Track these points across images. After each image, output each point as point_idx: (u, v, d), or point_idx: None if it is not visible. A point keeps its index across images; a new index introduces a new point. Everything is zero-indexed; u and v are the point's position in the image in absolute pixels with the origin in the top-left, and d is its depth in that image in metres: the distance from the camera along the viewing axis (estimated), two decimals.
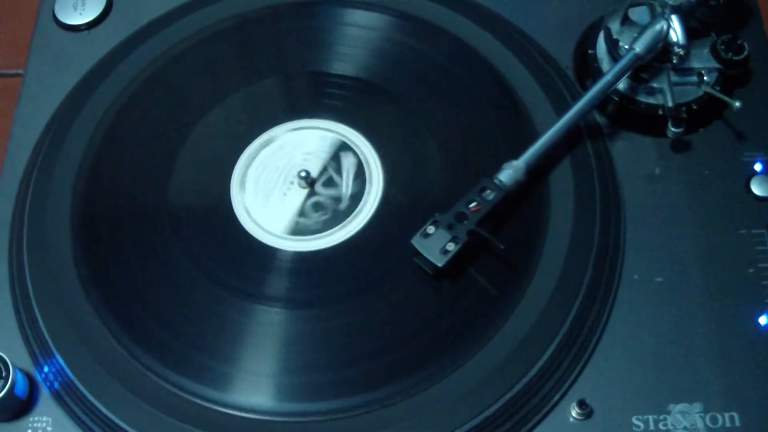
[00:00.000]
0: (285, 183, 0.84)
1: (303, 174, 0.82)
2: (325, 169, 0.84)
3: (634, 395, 0.72)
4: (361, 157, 0.84)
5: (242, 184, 0.83)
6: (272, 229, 0.81)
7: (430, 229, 0.75)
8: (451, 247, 0.74)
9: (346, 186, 0.82)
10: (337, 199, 0.82)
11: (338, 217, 0.81)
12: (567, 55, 0.90)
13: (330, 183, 0.83)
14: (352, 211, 0.81)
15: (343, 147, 0.84)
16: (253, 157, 0.85)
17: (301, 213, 0.82)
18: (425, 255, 0.74)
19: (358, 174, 0.83)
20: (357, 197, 0.82)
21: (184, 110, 0.88)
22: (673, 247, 0.79)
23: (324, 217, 0.81)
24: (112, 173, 0.85)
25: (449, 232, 0.74)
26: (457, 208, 0.76)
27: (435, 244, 0.74)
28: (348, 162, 0.83)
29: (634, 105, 0.84)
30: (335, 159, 0.84)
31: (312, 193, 0.83)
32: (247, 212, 0.82)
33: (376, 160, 0.84)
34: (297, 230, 0.81)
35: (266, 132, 0.86)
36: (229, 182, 0.83)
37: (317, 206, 0.82)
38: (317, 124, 0.86)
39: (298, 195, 0.83)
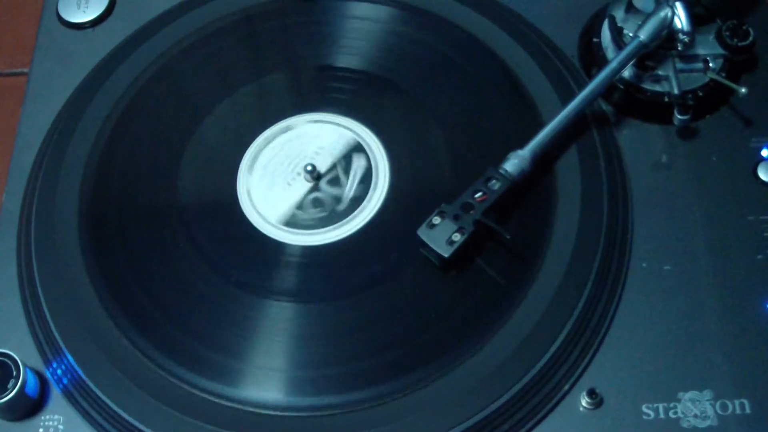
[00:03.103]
0: (292, 173, 0.84)
1: (309, 168, 0.82)
2: (333, 167, 0.84)
3: (644, 383, 0.72)
4: (367, 149, 0.84)
5: (251, 167, 0.84)
6: (268, 216, 0.81)
7: (436, 220, 0.75)
8: (457, 237, 0.74)
9: (350, 188, 0.82)
10: (338, 199, 0.82)
11: (334, 217, 0.81)
12: (572, 44, 0.90)
13: (335, 182, 0.83)
14: (350, 214, 0.81)
15: (357, 148, 0.84)
16: (269, 141, 0.85)
17: (300, 206, 0.82)
18: (431, 246, 0.74)
19: (364, 178, 0.83)
20: (358, 201, 0.82)
21: (191, 106, 0.88)
22: (681, 234, 0.79)
23: (320, 215, 0.81)
24: (119, 170, 0.85)
25: (455, 222, 0.74)
26: (463, 199, 0.76)
27: (441, 235, 0.74)
28: (358, 164, 0.83)
29: (640, 93, 0.83)
30: (346, 158, 0.84)
31: (315, 188, 0.83)
32: (249, 195, 0.82)
33: (382, 152, 0.83)
34: (291, 222, 0.81)
35: (286, 119, 0.86)
36: (236, 178, 0.84)
37: (316, 202, 0.82)
38: (323, 118, 0.86)
39: (301, 187, 0.83)
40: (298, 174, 0.83)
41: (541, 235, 0.77)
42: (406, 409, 0.71)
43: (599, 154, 0.81)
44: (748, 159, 0.82)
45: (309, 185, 0.83)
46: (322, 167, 0.83)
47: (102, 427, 0.73)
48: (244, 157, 0.85)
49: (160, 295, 0.78)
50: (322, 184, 0.83)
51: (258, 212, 0.81)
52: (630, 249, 0.78)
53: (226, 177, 0.84)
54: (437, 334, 0.74)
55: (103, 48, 0.93)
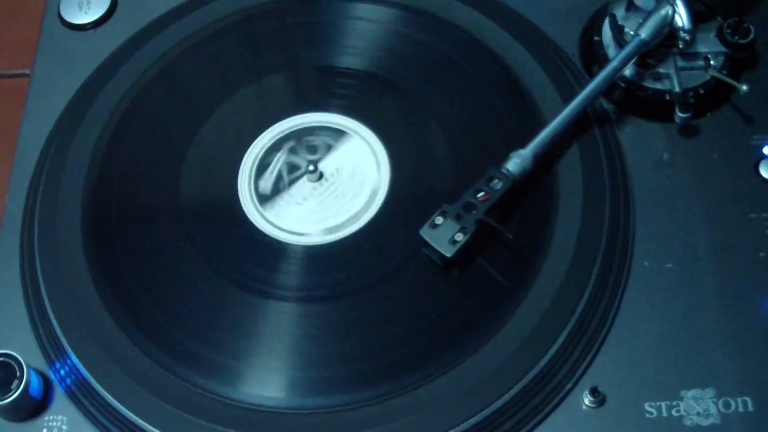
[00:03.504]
0: (295, 174, 0.84)
1: (312, 168, 0.82)
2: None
3: (647, 382, 0.72)
4: (346, 130, 0.84)
5: (253, 168, 0.85)
6: (270, 217, 0.81)
7: (439, 220, 0.75)
8: (459, 237, 0.74)
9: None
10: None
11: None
12: (573, 43, 0.90)
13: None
14: (351, 215, 0.81)
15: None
16: (273, 142, 0.86)
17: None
18: (434, 246, 0.74)
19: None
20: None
21: (192, 107, 0.88)
22: (683, 232, 0.79)
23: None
24: (121, 171, 0.85)
25: (457, 222, 0.74)
26: (465, 198, 0.76)
27: (443, 235, 0.74)
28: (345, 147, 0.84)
29: (641, 91, 0.83)
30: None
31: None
32: (250, 196, 0.83)
33: (383, 152, 0.84)
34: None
35: (288, 119, 0.87)
36: (237, 178, 0.84)
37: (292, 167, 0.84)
38: (324, 118, 0.86)
39: (303, 188, 0.83)
40: (302, 175, 0.84)
41: (543, 234, 0.77)
42: (408, 408, 0.71)
43: (601, 152, 0.81)
44: (749, 156, 0.82)
45: (311, 185, 0.83)
46: (326, 170, 0.84)
47: (105, 427, 0.73)
48: (245, 158, 0.85)
49: (162, 295, 0.78)
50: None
51: (259, 212, 0.81)
52: (632, 247, 0.78)
53: (227, 177, 0.84)
54: (439, 334, 0.74)
55: (105, 49, 0.93)
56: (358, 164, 0.83)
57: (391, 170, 0.83)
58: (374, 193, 0.81)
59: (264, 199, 0.83)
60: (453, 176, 0.81)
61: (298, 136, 0.86)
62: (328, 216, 0.81)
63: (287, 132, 0.86)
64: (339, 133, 0.85)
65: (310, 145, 0.85)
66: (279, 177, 0.84)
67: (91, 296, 0.78)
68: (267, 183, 0.84)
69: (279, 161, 0.84)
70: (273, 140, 0.86)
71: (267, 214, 0.82)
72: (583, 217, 0.78)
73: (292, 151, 0.85)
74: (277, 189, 0.83)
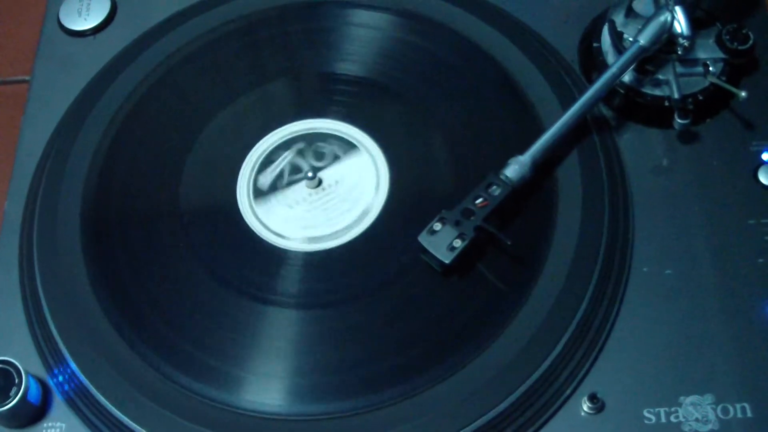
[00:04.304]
0: (294, 180, 0.84)
1: (311, 175, 0.82)
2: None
3: (646, 388, 0.72)
4: (368, 155, 0.84)
5: (252, 174, 0.85)
6: (269, 223, 0.81)
7: (437, 226, 0.75)
8: (458, 243, 0.74)
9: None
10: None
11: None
12: (572, 49, 0.90)
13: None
14: (351, 221, 0.81)
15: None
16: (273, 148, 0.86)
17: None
18: (432, 252, 0.74)
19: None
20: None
21: (192, 113, 0.88)
22: (682, 238, 0.79)
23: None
24: (121, 178, 0.85)
25: (456, 228, 0.74)
26: (464, 205, 0.76)
27: (442, 241, 0.74)
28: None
29: (641, 97, 0.83)
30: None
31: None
32: (250, 202, 0.83)
33: (382, 158, 0.84)
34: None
35: (288, 125, 0.87)
36: (237, 184, 0.84)
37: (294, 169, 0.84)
38: (325, 125, 0.86)
39: (301, 192, 0.83)
40: (301, 178, 0.84)
41: (542, 241, 0.77)
42: (407, 414, 0.70)
43: (600, 158, 0.81)
44: (748, 162, 0.82)
45: (308, 191, 0.83)
46: (326, 179, 0.84)
47: None
48: (244, 164, 0.85)
49: (162, 302, 0.78)
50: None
51: (258, 219, 0.81)
52: (631, 253, 0.78)
53: (227, 183, 0.84)
54: (438, 340, 0.74)
55: (105, 55, 0.93)
56: (359, 181, 0.83)
57: (390, 176, 0.83)
58: (364, 213, 0.81)
59: (259, 193, 0.83)
60: (452, 182, 0.81)
61: (311, 139, 0.86)
62: (313, 225, 0.81)
63: (302, 133, 0.86)
64: (349, 146, 0.85)
65: (318, 151, 0.85)
66: (280, 175, 0.84)
67: (90, 303, 0.78)
68: (267, 178, 0.84)
69: (284, 160, 0.84)
70: (285, 138, 0.86)
71: (257, 210, 0.82)
72: (582, 223, 0.78)
73: (300, 153, 0.85)
74: (275, 187, 0.83)
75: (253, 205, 0.82)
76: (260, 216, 0.82)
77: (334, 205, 0.82)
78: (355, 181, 0.83)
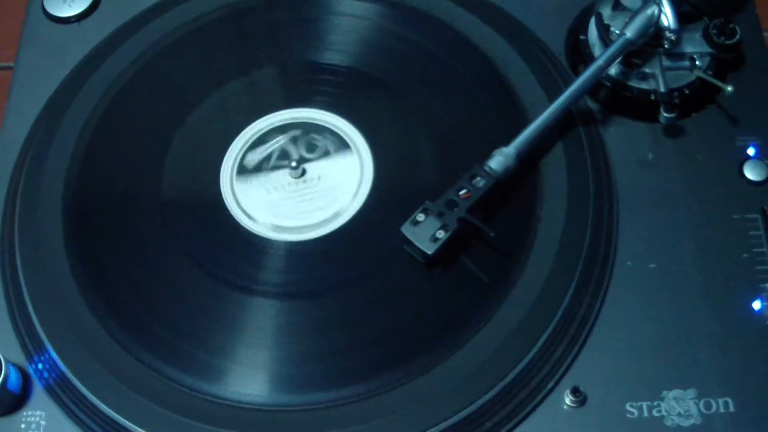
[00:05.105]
0: (277, 169, 0.84)
1: (294, 164, 0.82)
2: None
3: (628, 382, 0.72)
4: (352, 146, 0.84)
5: (236, 164, 0.84)
6: (252, 213, 0.81)
7: (420, 217, 0.75)
8: (441, 234, 0.74)
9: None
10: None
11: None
12: (559, 42, 0.89)
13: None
14: (334, 211, 0.81)
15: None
16: (256, 138, 0.86)
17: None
18: (415, 243, 0.74)
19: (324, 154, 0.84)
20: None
21: (176, 102, 0.88)
22: (667, 232, 0.79)
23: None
24: (104, 166, 0.85)
25: (439, 219, 0.74)
26: (448, 196, 0.75)
27: (425, 232, 0.74)
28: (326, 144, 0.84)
29: (627, 90, 0.83)
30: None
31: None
32: (233, 192, 0.82)
33: (366, 149, 0.83)
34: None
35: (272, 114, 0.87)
36: (220, 174, 0.83)
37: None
38: (309, 114, 0.86)
39: (284, 180, 0.83)
40: (286, 166, 0.83)
41: (526, 233, 0.77)
42: (389, 406, 0.70)
43: (585, 151, 0.81)
44: (734, 157, 0.82)
45: (288, 180, 0.83)
46: (310, 172, 0.83)
47: (84, 423, 0.73)
48: (228, 153, 0.84)
49: (144, 291, 0.78)
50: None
51: (242, 209, 0.81)
52: (615, 247, 0.78)
53: (211, 173, 0.83)
54: (420, 332, 0.74)
55: (89, 42, 0.93)
56: (340, 182, 0.82)
57: (374, 166, 0.82)
58: (335, 216, 0.81)
59: (242, 170, 0.83)
60: (436, 173, 0.81)
61: (307, 129, 0.85)
62: (284, 215, 0.81)
63: (301, 120, 0.86)
64: (343, 145, 0.84)
65: (311, 143, 0.84)
66: (267, 158, 0.84)
67: (71, 291, 0.77)
68: (254, 157, 0.84)
69: (277, 144, 0.84)
70: (284, 122, 0.86)
71: (236, 186, 0.82)
72: (567, 216, 0.78)
73: (294, 140, 0.85)
74: (259, 167, 0.83)
75: (234, 180, 0.82)
76: (237, 192, 0.82)
77: (309, 200, 0.81)
78: (337, 181, 0.82)
